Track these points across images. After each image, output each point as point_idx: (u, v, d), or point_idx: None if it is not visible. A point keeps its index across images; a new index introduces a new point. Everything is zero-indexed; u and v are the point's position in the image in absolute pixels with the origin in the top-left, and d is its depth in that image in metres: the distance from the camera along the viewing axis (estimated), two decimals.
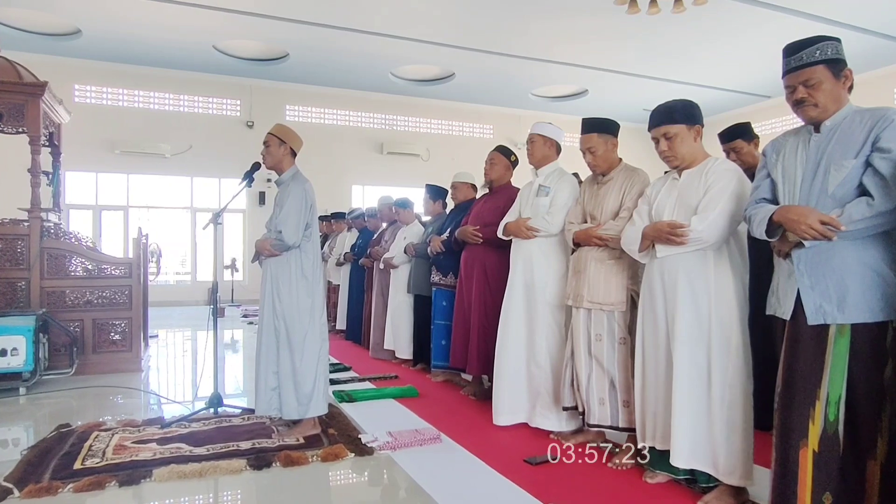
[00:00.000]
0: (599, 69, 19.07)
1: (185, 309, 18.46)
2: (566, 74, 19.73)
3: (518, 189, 6.43)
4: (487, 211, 6.75)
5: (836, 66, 3.33)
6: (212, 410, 6.33)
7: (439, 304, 7.73)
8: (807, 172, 3.36)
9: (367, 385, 7.71)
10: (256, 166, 6.21)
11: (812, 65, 3.33)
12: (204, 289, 19.81)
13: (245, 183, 6.25)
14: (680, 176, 4.36)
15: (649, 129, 4.41)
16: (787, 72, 3.43)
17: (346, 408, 6.63)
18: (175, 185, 20.11)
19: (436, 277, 7.78)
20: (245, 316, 15.98)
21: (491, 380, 6.29)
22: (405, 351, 8.91)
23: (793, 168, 3.44)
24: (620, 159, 5.31)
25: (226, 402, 6.53)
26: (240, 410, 6.46)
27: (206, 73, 19.66)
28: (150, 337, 11.26)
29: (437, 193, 8.80)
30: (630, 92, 21.25)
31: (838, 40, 3.36)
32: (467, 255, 6.89)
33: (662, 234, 4.16)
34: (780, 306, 3.47)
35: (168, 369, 9.35)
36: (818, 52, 3.32)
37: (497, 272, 6.49)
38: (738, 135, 5.98)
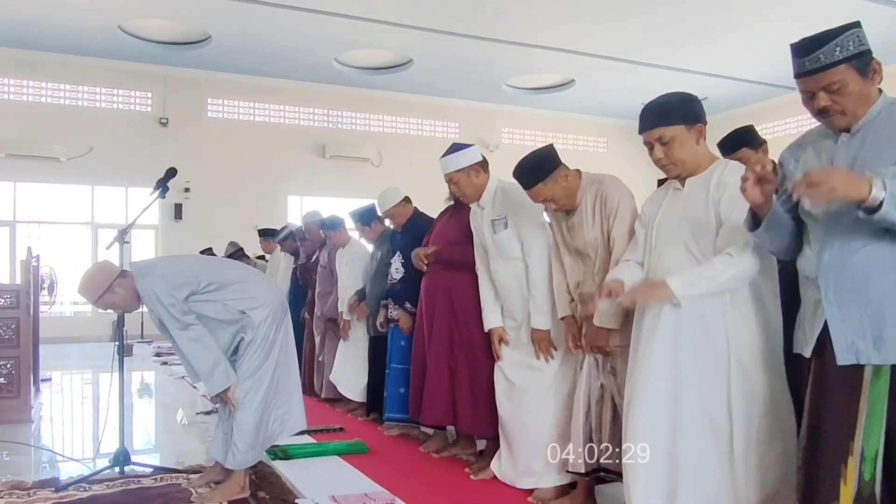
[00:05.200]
0: (589, 55, 19.22)
1: (84, 346, 18.25)
2: (548, 61, 19.93)
3: None
4: (452, 228, 6.72)
5: (862, 60, 3.18)
6: (117, 469, 6.27)
7: (396, 343, 7.65)
8: None
9: (306, 439, 7.63)
10: (171, 173, 6.22)
11: (833, 66, 3.17)
12: (108, 322, 19.47)
13: (158, 193, 6.25)
14: (683, 185, 4.23)
15: (640, 132, 4.24)
16: (802, 74, 3.30)
17: (281, 466, 6.58)
18: (73, 195, 20.09)
19: (393, 312, 7.74)
20: (157, 355, 15.89)
21: (457, 433, 6.36)
22: (356, 392, 8.93)
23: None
24: (578, 173, 5.24)
25: (134, 458, 6.46)
26: (151, 469, 6.40)
27: (109, 60, 19.59)
28: (43, 380, 11.14)
29: (366, 216, 8.66)
30: (625, 82, 21.45)
31: (858, 26, 3.24)
32: (429, 281, 6.86)
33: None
34: (806, 342, 3.41)
35: (64, 420, 9.31)
36: (838, 49, 3.16)
37: (466, 300, 6.43)
38: (741, 142, 5.90)
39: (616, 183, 5.13)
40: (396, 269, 7.52)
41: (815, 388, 3.36)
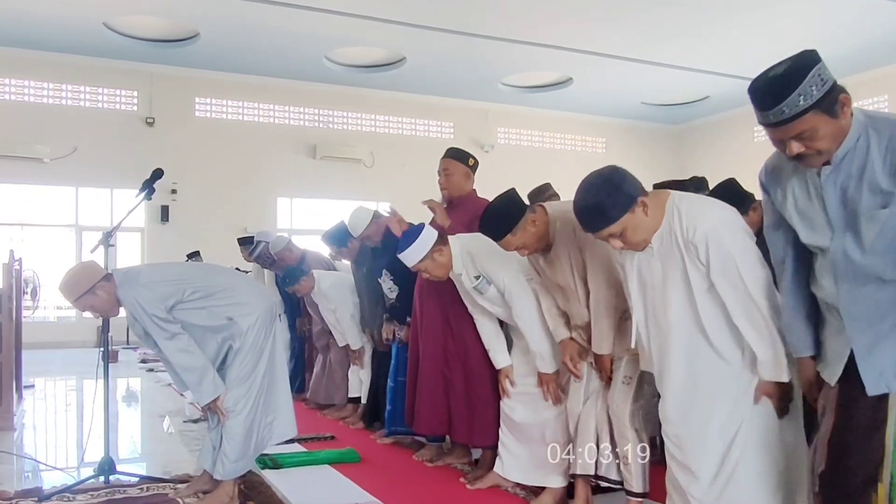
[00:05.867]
0: (587, 52, 19.21)
1: (68, 352, 18.25)
2: (545, 59, 19.92)
3: (486, 201, 6.49)
4: (450, 231, 6.71)
5: (829, 101, 3.03)
6: (102, 479, 6.25)
7: (401, 357, 7.60)
8: (835, 220, 3.21)
9: (297, 447, 7.62)
10: (158, 174, 6.21)
11: (799, 116, 3.03)
12: (92, 327, 19.23)
13: (144, 194, 6.24)
14: (652, 242, 4.13)
15: (587, 232, 4.20)
16: (767, 125, 3.17)
17: (270, 476, 6.57)
18: (56, 196, 20.06)
19: (400, 333, 7.62)
20: (143, 361, 15.84)
21: (451, 442, 6.40)
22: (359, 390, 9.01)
23: (811, 213, 3.31)
24: (545, 211, 5.11)
25: (119, 468, 6.44)
26: (137, 478, 6.38)
27: (94, 58, 19.55)
28: (25, 387, 11.07)
29: (340, 238, 8.55)
30: (625, 81, 21.56)
31: (817, 61, 3.05)
32: (422, 283, 6.83)
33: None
34: (827, 367, 3.42)
35: (47, 428, 9.31)
36: (802, 98, 3.00)
37: (459, 306, 6.39)
38: (735, 203, 5.73)
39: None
40: (390, 289, 7.48)
41: (839, 413, 3.35)
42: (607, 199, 3.91)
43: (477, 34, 17.76)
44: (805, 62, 3.04)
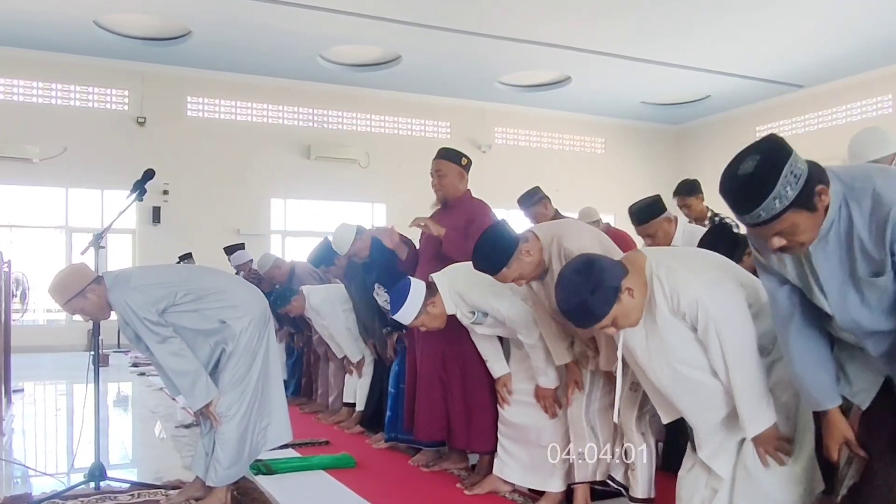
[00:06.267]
0: (586, 51, 19.21)
1: (58, 356, 18.27)
2: (543, 58, 19.93)
3: (481, 202, 6.47)
4: (446, 235, 6.70)
5: (805, 196, 2.99)
6: (92, 485, 6.23)
7: (402, 363, 7.61)
8: (829, 289, 3.25)
9: (291, 453, 7.59)
10: (149, 174, 6.19)
11: (777, 217, 3.00)
12: (82, 330, 19.21)
13: (135, 195, 6.22)
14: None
15: (580, 328, 4.34)
16: (745, 224, 3.17)
17: (264, 482, 6.55)
18: (46, 197, 20.04)
19: (402, 344, 7.71)
20: (135, 365, 15.83)
21: (448, 447, 6.44)
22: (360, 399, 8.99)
23: (807, 282, 3.32)
24: (536, 237, 5.10)
25: (110, 473, 6.40)
26: (128, 484, 6.37)
27: (84, 56, 19.53)
28: (14, 391, 11.11)
29: (327, 257, 8.62)
30: (624, 80, 21.57)
31: (788, 155, 3.01)
32: None
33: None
34: (856, 392, 3.47)
35: (37, 433, 9.29)
36: (777, 201, 2.96)
37: None
38: (728, 250, 5.51)
39: (573, 231, 5.10)
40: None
41: (862, 431, 3.43)
42: (591, 297, 3.84)
43: (474, 32, 17.74)
44: (776, 159, 3.00)
